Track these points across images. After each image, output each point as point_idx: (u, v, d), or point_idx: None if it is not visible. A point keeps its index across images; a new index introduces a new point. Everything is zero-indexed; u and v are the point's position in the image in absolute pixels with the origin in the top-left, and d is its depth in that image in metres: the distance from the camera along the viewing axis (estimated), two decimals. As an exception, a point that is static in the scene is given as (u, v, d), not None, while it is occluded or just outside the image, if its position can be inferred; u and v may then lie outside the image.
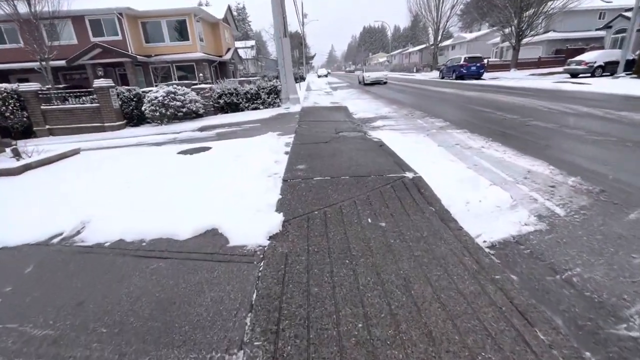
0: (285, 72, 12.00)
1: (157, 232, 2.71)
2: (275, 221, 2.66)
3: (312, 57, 75.08)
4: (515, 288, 1.86)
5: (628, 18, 23.86)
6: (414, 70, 46.45)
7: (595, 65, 17.88)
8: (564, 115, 7.34)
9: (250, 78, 20.71)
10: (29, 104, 10.09)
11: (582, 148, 4.77)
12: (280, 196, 3.24)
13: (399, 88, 19.36)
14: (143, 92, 11.07)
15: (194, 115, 11.17)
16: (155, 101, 10.04)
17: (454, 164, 4.38)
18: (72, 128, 10.34)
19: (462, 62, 23.56)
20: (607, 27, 27.26)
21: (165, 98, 10.08)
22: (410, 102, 12.01)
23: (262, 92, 11.94)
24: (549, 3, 24.80)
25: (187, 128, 9.50)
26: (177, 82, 20.04)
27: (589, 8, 30.96)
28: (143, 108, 10.33)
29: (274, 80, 12.73)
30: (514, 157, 4.48)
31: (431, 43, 43.82)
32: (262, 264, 2.14)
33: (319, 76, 54.96)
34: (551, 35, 31.30)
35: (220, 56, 25.63)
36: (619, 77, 15.73)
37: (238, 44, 40.14)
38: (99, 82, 10.04)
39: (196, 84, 14.91)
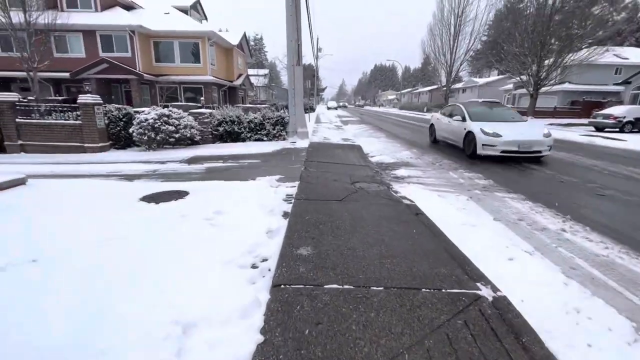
0: (295, 102, 10.86)
1: None
2: None
3: (324, 90, 76.12)
4: None
5: (650, 75, 23.30)
6: (424, 110, 46.11)
7: (625, 120, 16.75)
8: (638, 183, 5.90)
9: (259, 105, 19.80)
10: (3, 115, 8.91)
11: None
12: (263, 337, 1.72)
13: (415, 128, 18.28)
14: (135, 111, 9.91)
15: (188, 142, 9.91)
16: (145, 124, 8.81)
17: (538, 262, 2.87)
18: (48, 146, 9.05)
19: (479, 106, 22.65)
20: (626, 82, 26.74)
21: (157, 121, 8.85)
22: (432, 145, 10.72)
23: (268, 122, 10.73)
24: (569, 55, 24.34)
25: (176, 157, 8.18)
26: (182, 103, 19.19)
27: (606, 63, 30.68)
28: (131, 130, 9.10)
29: (282, 111, 11.58)
30: (626, 258, 2.97)
31: (442, 84, 43.80)
32: None
33: (329, 108, 54.96)
34: (567, 86, 30.80)
35: (231, 81, 25.09)
36: (655, 135, 14.50)
37: (251, 71, 40.21)
38: (84, 98, 8.88)
39: (200, 107, 13.91)
